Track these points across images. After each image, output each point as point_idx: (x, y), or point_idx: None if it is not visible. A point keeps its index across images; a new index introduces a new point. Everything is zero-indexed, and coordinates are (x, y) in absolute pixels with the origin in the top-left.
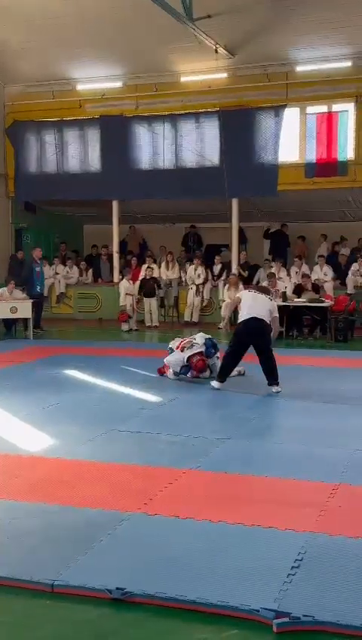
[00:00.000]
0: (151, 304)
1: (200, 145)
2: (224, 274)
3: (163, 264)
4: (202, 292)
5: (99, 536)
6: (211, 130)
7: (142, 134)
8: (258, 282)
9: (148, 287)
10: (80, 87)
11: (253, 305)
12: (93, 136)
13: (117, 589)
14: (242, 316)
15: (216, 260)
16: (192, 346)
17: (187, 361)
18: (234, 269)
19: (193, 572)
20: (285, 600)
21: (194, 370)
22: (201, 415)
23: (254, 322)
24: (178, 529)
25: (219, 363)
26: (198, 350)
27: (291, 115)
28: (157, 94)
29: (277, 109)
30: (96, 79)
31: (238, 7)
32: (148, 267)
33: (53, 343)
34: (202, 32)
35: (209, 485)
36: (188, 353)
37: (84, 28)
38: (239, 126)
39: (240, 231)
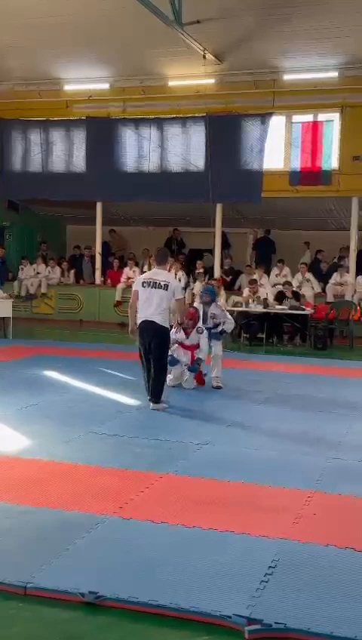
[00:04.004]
0: None
1: (185, 149)
2: (206, 278)
3: (145, 267)
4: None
5: (73, 539)
6: (197, 135)
7: (128, 137)
8: (239, 288)
9: None
10: (67, 87)
11: (145, 302)
12: (79, 137)
13: (90, 592)
14: (138, 318)
15: (198, 265)
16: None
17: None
18: (217, 274)
19: (166, 577)
20: (257, 607)
21: (188, 319)
22: (179, 419)
23: (145, 326)
24: (152, 533)
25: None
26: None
27: (277, 122)
28: (145, 97)
29: (264, 117)
30: (83, 80)
31: (228, 14)
32: (132, 270)
33: (33, 343)
34: (191, 37)
35: (185, 490)
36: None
37: (73, 28)
38: (225, 132)
39: (224, 236)
